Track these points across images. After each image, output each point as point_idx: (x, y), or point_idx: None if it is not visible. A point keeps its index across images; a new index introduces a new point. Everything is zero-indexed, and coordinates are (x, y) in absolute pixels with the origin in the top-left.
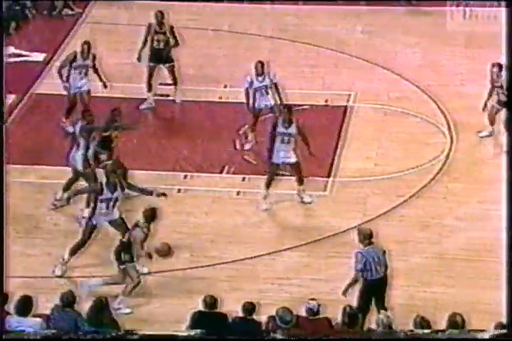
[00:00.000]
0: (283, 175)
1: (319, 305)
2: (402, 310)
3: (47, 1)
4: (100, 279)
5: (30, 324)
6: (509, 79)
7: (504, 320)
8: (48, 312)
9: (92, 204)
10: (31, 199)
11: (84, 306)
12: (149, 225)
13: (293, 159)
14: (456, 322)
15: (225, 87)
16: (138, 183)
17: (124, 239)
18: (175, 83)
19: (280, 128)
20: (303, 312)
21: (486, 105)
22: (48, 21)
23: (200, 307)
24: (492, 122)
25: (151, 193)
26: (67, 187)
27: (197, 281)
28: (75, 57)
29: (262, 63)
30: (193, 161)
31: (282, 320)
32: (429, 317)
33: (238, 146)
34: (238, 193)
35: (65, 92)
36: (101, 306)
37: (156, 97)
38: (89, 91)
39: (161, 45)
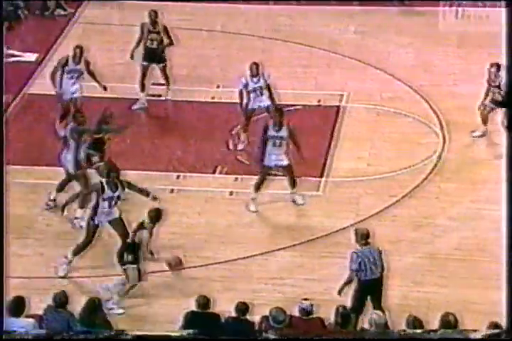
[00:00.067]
0: (275, 175)
1: (312, 305)
2: (395, 310)
3: (39, 1)
4: (119, 278)
5: (23, 324)
6: (509, 79)
7: (498, 319)
8: (41, 312)
9: (93, 204)
10: (24, 200)
11: (77, 307)
12: (154, 226)
13: (285, 162)
14: (448, 321)
15: (218, 87)
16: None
17: (129, 240)
18: (167, 82)
19: (271, 132)
20: (296, 312)
21: (485, 105)
22: (41, 21)
23: (193, 307)
24: (485, 121)
25: (148, 195)
26: (60, 188)
27: (190, 281)
28: (67, 61)
29: (256, 64)
30: (186, 161)
31: (275, 320)
32: (422, 316)
33: (231, 146)
34: (231, 193)
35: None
36: (94, 307)
37: (148, 97)
38: (82, 97)
39: (155, 45)
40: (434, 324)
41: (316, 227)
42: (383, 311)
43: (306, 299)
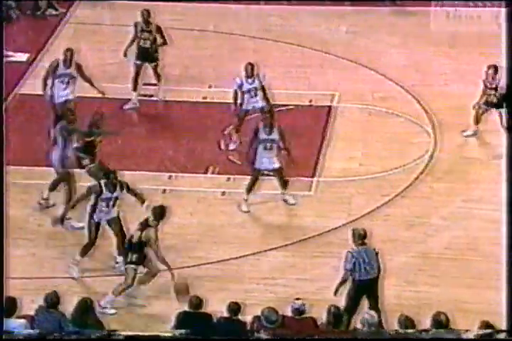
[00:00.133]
0: (267, 175)
1: (305, 305)
2: (388, 310)
3: (31, 1)
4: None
5: (15, 325)
6: (509, 79)
7: (489, 318)
8: (32, 313)
9: (92, 203)
10: (15, 200)
11: (69, 307)
12: (158, 223)
13: (276, 165)
14: (440, 321)
15: (210, 87)
16: None
17: (135, 240)
18: (158, 81)
19: (262, 135)
20: (288, 312)
21: (479, 106)
22: (32, 21)
23: (185, 307)
24: (477, 121)
25: (142, 202)
26: (53, 187)
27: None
28: (58, 65)
29: (252, 65)
30: (178, 161)
31: (268, 319)
32: (413, 316)
33: (223, 146)
34: (223, 193)
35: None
36: (85, 307)
37: (139, 97)
38: (73, 100)
39: (148, 44)
40: (426, 323)
41: (308, 227)
42: (380, 311)
43: (298, 299)
